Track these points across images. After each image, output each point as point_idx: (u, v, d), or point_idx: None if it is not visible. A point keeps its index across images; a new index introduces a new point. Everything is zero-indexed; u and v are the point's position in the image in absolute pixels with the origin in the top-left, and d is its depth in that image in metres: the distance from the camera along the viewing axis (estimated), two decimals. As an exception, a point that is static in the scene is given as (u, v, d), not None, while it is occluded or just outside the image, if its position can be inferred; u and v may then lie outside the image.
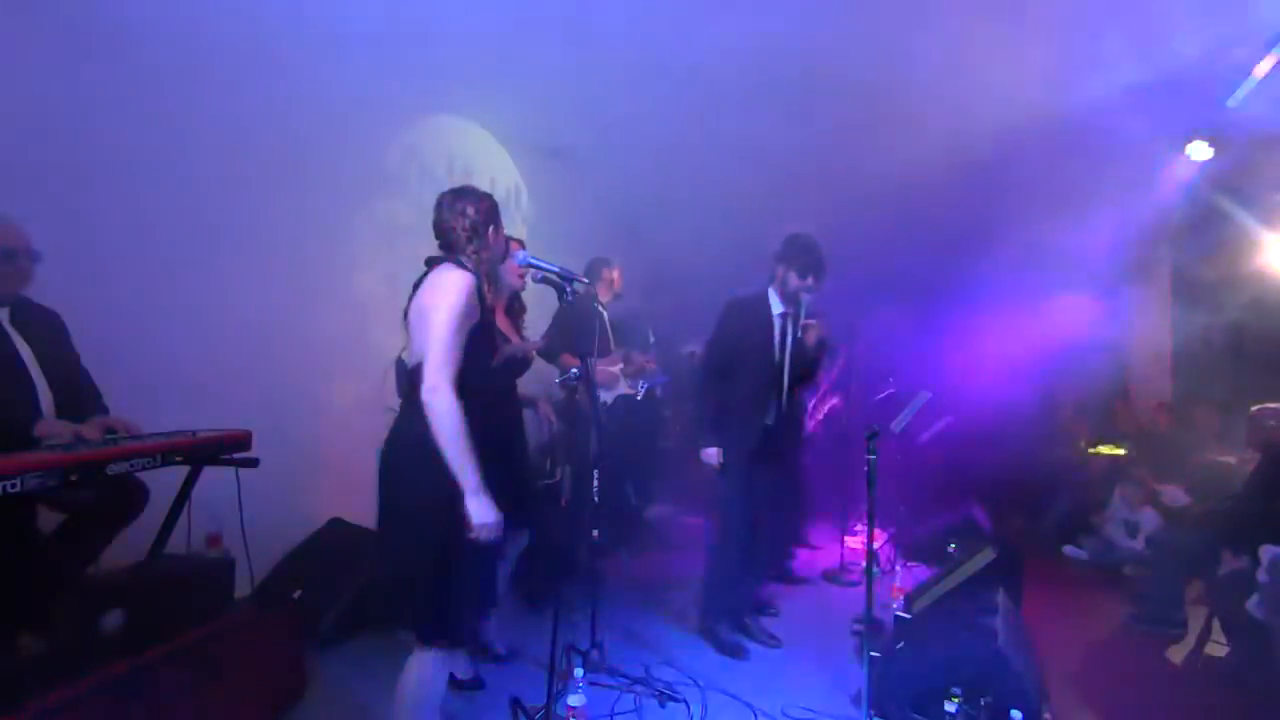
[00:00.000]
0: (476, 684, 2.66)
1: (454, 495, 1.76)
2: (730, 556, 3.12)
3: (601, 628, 2.87)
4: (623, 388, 4.16)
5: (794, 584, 4.06)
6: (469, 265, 1.88)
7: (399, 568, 1.85)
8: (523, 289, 2.88)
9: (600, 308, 3.95)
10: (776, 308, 3.11)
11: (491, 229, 1.94)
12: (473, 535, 1.74)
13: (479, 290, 1.85)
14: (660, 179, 4.95)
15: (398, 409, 1.93)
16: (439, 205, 1.96)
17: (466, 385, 1.78)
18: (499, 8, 3.45)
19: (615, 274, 4.19)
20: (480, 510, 1.73)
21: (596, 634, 2.82)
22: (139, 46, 2.63)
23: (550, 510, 3.55)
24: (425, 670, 1.86)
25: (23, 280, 2.10)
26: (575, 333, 3.38)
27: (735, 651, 3.04)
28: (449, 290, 1.78)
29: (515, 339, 2.76)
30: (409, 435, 1.81)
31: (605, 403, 3.93)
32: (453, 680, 2.58)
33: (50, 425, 2.01)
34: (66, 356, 2.22)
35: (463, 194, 1.96)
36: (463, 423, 1.72)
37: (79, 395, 2.20)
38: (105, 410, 2.24)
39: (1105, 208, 4.93)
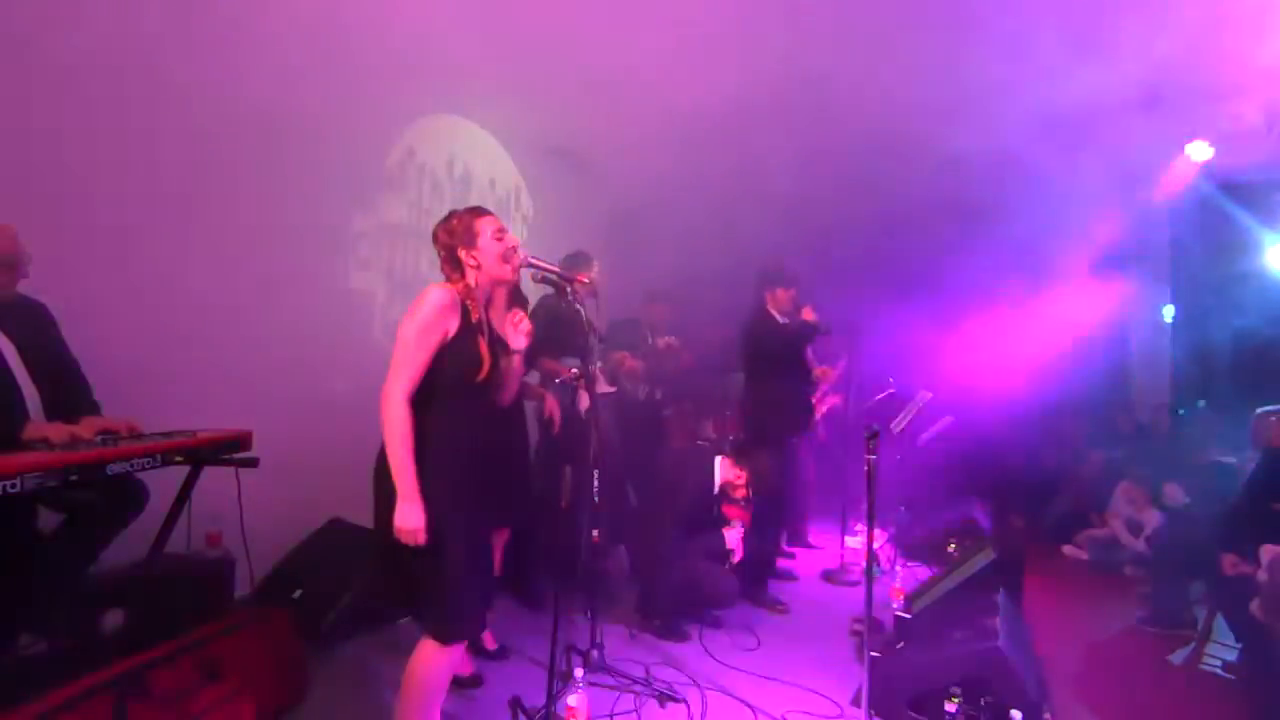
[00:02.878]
0: (476, 681, 2.66)
1: (444, 496, 1.81)
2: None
3: (601, 628, 2.87)
4: (604, 387, 4.11)
5: (794, 584, 4.06)
6: (455, 281, 1.92)
7: (396, 568, 1.86)
8: (516, 283, 2.88)
9: (579, 306, 3.85)
10: None
11: (464, 249, 1.93)
12: (396, 535, 1.77)
13: (463, 305, 1.87)
14: (660, 179, 4.95)
15: None
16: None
17: (439, 393, 1.83)
18: (500, 9, 3.45)
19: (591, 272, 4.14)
20: (402, 514, 1.76)
21: (596, 634, 2.82)
22: (140, 46, 2.63)
23: (549, 511, 3.54)
24: (429, 660, 1.87)
25: (5, 288, 2.03)
26: (560, 334, 3.32)
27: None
28: (417, 304, 1.83)
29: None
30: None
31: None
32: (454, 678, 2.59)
33: (40, 428, 1.96)
34: (52, 349, 2.15)
35: (435, 227, 1.99)
36: (406, 429, 1.77)
37: (67, 390, 2.16)
38: (96, 406, 2.21)
39: (1105, 208, 4.94)
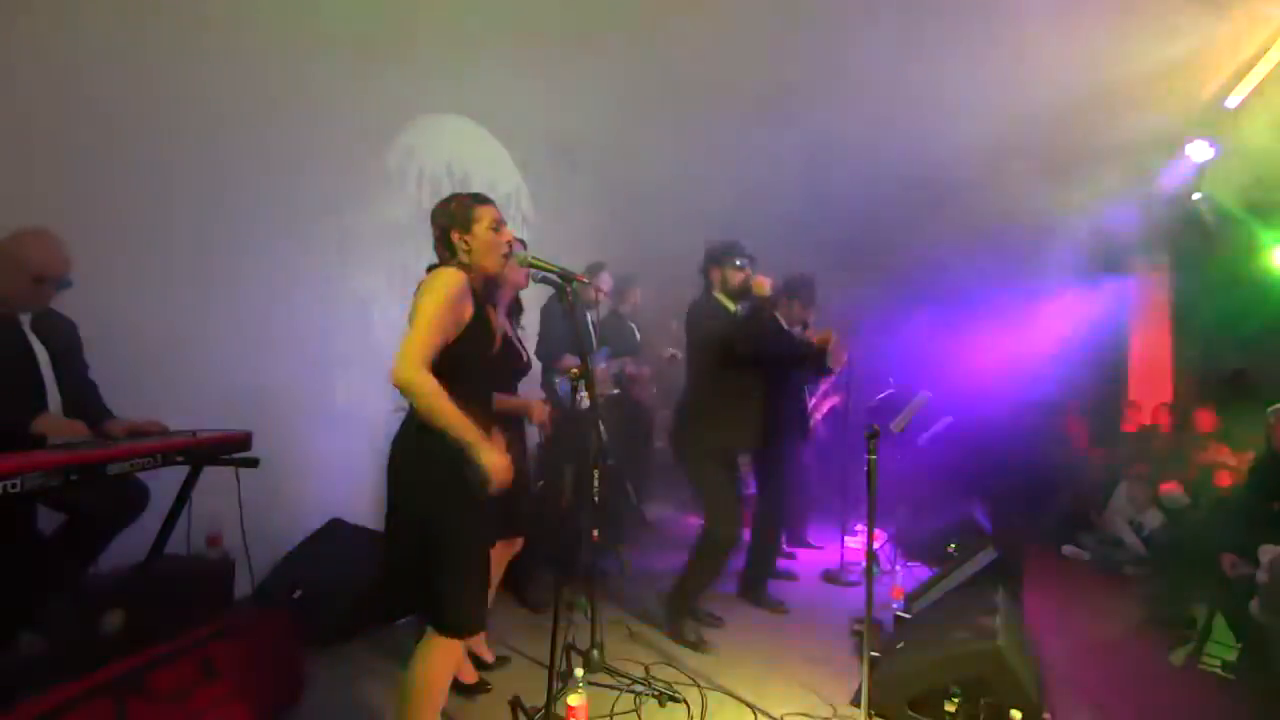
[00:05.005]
0: (483, 686, 2.66)
1: (459, 491, 1.79)
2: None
3: (601, 628, 2.87)
4: (608, 389, 4.13)
5: (793, 584, 4.06)
6: (448, 262, 1.91)
7: (407, 564, 1.85)
8: (525, 287, 2.88)
9: (586, 306, 3.85)
10: None
11: (458, 232, 1.92)
12: (490, 485, 1.76)
13: (473, 289, 1.86)
14: (660, 179, 4.96)
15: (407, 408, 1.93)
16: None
17: (458, 377, 1.79)
18: (500, 9, 3.45)
19: (636, 293, 4.44)
20: (486, 460, 1.75)
21: (596, 634, 2.82)
22: (137, 45, 2.64)
23: (549, 511, 3.54)
24: (435, 657, 1.86)
25: (46, 300, 2.15)
26: (571, 333, 3.31)
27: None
28: (434, 284, 1.81)
29: (514, 338, 2.74)
30: (413, 432, 1.85)
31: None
32: (457, 684, 2.57)
33: (54, 421, 2.02)
34: (78, 365, 2.25)
35: (434, 207, 1.98)
36: (440, 390, 1.72)
37: (86, 405, 2.23)
38: (111, 415, 2.26)
39: (1106, 207, 4.94)
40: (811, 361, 3.37)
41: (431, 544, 1.80)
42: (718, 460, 3.15)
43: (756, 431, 3.25)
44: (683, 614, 3.19)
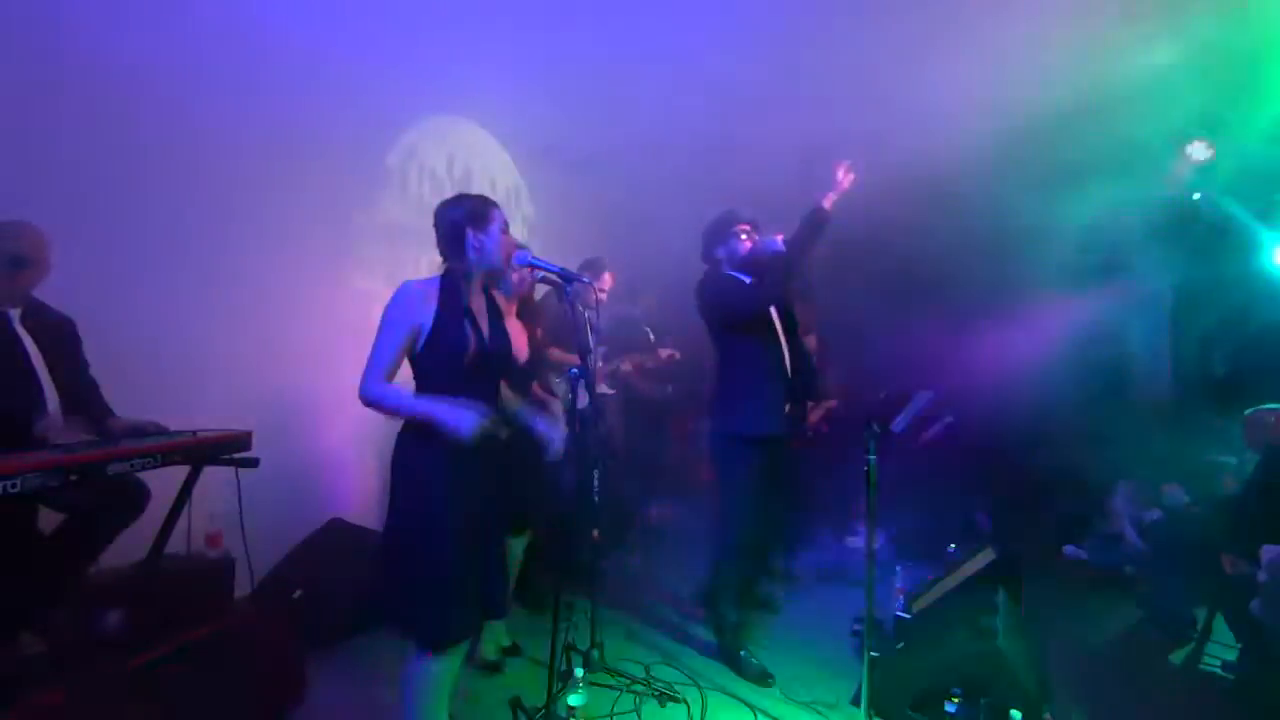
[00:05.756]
0: (498, 666, 2.73)
1: (434, 490, 1.82)
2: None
3: (601, 628, 2.87)
4: (603, 389, 4.12)
5: (793, 584, 4.06)
6: (456, 269, 1.93)
7: (389, 568, 1.86)
8: (525, 291, 2.89)
9: (583, 308, 3.83)
10: None
11: (472, 230, 1.92)
12: (456, 437, 1.77)
13: (444, 290, 1.88)
14: (659, 179, 4.95)
15: None
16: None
17: (429, 380, 1.88)
18: (499, 8, 3.45)
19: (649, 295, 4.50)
20: (453, 423, 1.77)
21: (596, 634, 2.82)
22: (135, 46, 2.63)
23: (549, 511, 3.53)
24: (417, 673, 1.86)
25: (28, 289, 2.13)
26: (566, 331, 3.30)
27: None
28: (388, 302, 1.87)
29: (523, 339, 2.73)
30: (404, 440, 1.91)
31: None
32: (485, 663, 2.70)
33: (56, 426, 2.02)
34: (74, 362, 2.24)
35: (442, 205, 1.98)
36: (398, 390, 1.84)
37: (86, 405, 2.22)
38: (111, 414, 2.26)
39: (1105, 207, 4.94)
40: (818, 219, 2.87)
41: (404, 552, 1.81)
42: (743, 449, 2.84)
43: (782, 412, 2.90)
44: (733, 654, 2.91)
